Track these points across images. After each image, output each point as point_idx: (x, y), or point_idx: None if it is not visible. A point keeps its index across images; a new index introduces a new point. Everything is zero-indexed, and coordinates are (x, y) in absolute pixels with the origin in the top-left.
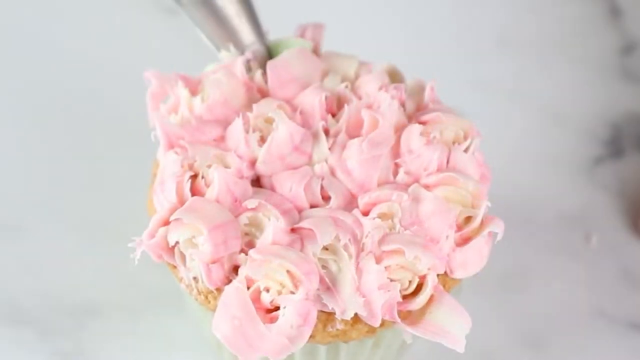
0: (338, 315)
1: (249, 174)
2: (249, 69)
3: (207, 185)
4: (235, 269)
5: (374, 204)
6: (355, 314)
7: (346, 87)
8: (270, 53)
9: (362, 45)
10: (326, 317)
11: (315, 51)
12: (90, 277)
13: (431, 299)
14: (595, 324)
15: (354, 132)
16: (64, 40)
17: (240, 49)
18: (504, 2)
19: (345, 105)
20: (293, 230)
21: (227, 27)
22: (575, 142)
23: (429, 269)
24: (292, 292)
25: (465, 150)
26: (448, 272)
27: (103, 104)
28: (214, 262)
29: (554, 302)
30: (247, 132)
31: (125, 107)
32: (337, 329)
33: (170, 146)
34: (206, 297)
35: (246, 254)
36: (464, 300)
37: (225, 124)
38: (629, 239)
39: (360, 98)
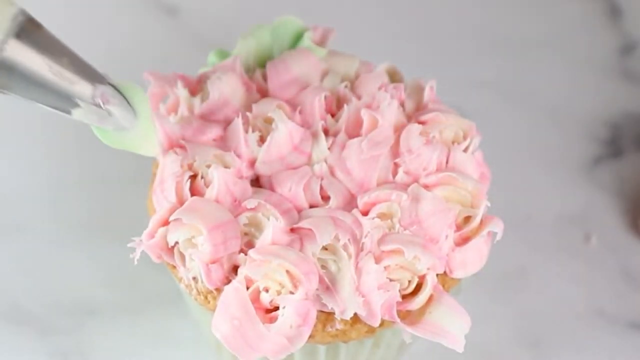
0: (337, 315)
1: (248, 173)
2: (108, 113)
3: (207, 185)
4: (235, 269)
5: (374, 204)
6: (355, 314)
7: (346, 86)
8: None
9: (362, 45)
10: (326, 317)
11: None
12: (90, 277)
13: (430, 299)
14: (595, 323)
15: (353, 132)
16: (64, 40)
17: (88, 99)
18: (504, 2)
19: (345, 105)
20: (292, 230)
21: (60, 88)
22: (575, 142)
23: (428, 268)
24: (292, 292)
25: (465, 150)
26: (447, 271)
27: None
28: (213, 262)
29: (554, 301)
30: (246, 132)
31: None
32: (337, 329)
33: (170, 146)
34: (206, 297)
35: (245, 254)
36: (464, 300)
37: (225, 124)
38: (628, 239)
39: (359, 98)
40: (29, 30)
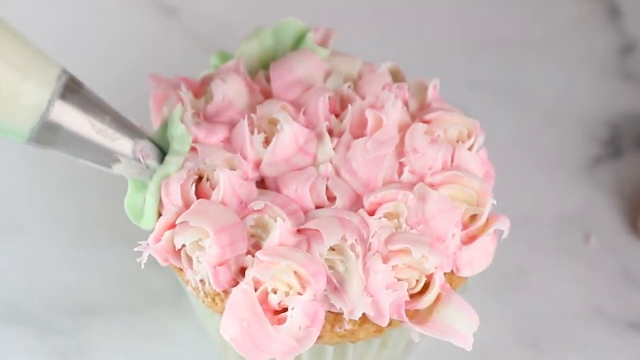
0: (346, 316)
1: (254, 175)
2: (147, 167)
3: (213, 188)
4: (243, 271)
5: (380, 204)
6: (363, 314)
7: (349, 87)
8: (158, 142)
9: (363, 46)
10: (334, 317)
11: None
12: (90, 276)
13: (439, 298)
14: (595, 323)
15: (358, 132)
16: (64, 41)
17: (129, 155)
18: (504, 2)
19: (349, 106)
20: (299, 231)
21: (103, 146)
22: (575, 142)
23: (436, 268)
24: (300, 294)
25: (470, 149)
26: (455, 270)
27: None
28: (221, 265)
29: (554, 301)
30: (252, 133)
31: (126, 107)
32: (345, 330)
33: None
34: (213, 300)
35: (253, 256)
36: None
37: (230, 126)
38: (628, 239)
39: (363, 98)
40: (72, 89)
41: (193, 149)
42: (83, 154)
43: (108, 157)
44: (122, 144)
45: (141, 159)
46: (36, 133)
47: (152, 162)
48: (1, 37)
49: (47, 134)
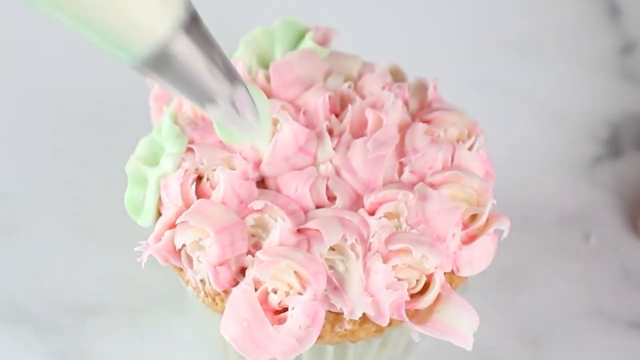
0: (346, 315)
1: (254, 175)
2: (239, 115)
3: (213, 188)
4: (243, 271)
5: (380, 204)
6: (363, 314)
7: (349, 86)
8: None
9: (362, 45)
10: (334, 317)
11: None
12: (90, 276)
13: (439, 298)
14: (595, 323)
15: (358, 132)
16: (65, 41)
17: (226, 99)
18: (504, 2)
19: (349, 105)
20: (299, 231)
21: (208, 86)
22: (575, 141)
23: (436, 267)
24: (300, 293)
25: (470, 148)
26: (455, 270)
27: (103, 103)
28: (221, 264)
29: (553, 301)
30: None
31: (127, 107)
32: (345, 329)
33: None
34: (213, 300)
35: (253, 256)
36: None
37: None
38: (628, 239)
39: (363, 98)
40: (195, 22)
41: (190, 150)
42: (183, 88)
43: (206, 96)
44: (225, 87)
45: (237, 106)
46: (149, 58)
47: (248, 113)
48: None
49: (160, 61)
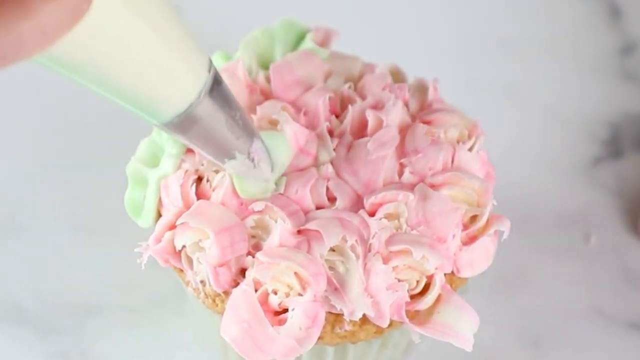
0: (346, 317)
1: None
2: (256, 166)
3: (213, 189)
4: (243, 272)
5: (380, 205)
6: (364, 315)
7: (349, 87)
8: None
9: (362, 46)
10: (334, 318)
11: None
12: (90, 276)
13: (439, 299)
14: (595, 323)
15: (358, 133)
16: None
17: (245, 153)
18: (504, 2)
19: (349, 106)
20: (299, 232)
21: (228, 142)
22: (575, 142)
23: (436, 268)
24: (300, 294)
25: (470, 149)
26: (455, 271)
27: (104, 103)
28: (221, 265)
29: (553, 301)
30: None
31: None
32: (346, 330)
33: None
34: (214, 301)
35: (253, 257)
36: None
37: None
38: (628, 239)
39: (363, 98)
40: (217, 83)
41: (190, 151)
42: (206, 146)
43: (227, 153)
44: (243, 142)
45: (255, 158)
46: (175, 121)
47: (264, 164)
48: (172, 21)
49: (185, 123)
